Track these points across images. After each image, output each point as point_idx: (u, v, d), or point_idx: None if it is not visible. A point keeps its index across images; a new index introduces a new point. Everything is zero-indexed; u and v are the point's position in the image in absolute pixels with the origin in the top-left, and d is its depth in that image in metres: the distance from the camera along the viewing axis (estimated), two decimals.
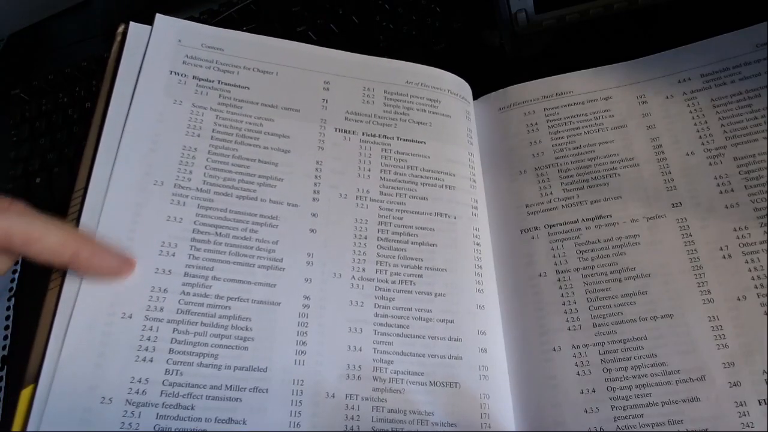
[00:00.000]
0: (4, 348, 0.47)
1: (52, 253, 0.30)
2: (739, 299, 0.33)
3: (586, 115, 0.41)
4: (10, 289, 0.49)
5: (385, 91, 0.41)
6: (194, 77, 0.38)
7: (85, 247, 0.31)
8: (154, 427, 0.29)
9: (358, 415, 0.32)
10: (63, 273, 0.31)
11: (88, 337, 0.30)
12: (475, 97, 0.44)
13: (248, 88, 0.39)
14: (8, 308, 0.48)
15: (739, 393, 0.31)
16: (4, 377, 0.46)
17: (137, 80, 0.37)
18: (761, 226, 0.35)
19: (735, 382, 0.32)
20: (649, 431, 0.32)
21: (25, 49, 0.67)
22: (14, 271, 0.50)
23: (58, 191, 0.52)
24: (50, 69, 0.61)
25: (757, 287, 0.33)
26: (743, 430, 0.31)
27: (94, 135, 0.35)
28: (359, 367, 0.33)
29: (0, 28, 0.68)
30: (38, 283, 0.32)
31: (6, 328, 0.48)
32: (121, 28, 0.38)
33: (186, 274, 0.33)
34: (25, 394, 0.29)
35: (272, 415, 0.31)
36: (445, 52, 0.50)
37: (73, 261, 0.30)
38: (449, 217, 0.38)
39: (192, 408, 0.30)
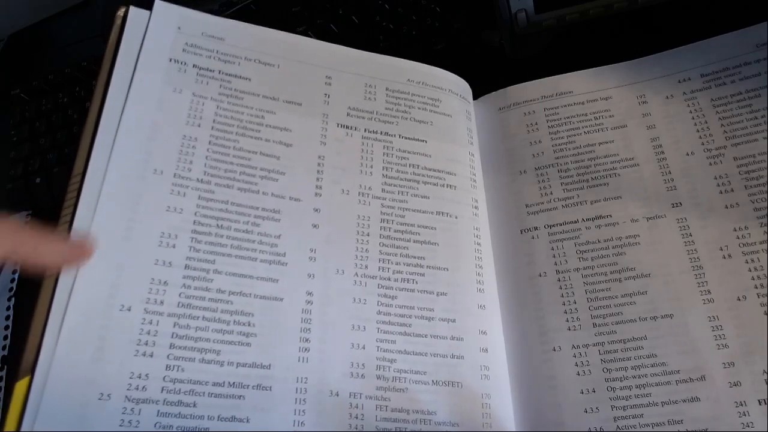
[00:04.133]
0: (4, 348, 0.47)
1: None
2: (739, 299, 0.33)
3: (586, 115, 0.41)
4: (10, 289, 0.49)
5: (386, 89, 0.41)
6: (194, 66, 0.38)
7: (23, 244, 0.29)
8: (155, 425, 0.29)
9: (362, 414, 0.32)
10: None
11: (85, 329, 0.29)
12: (475, 97, 0.44)
13: (249, 80, 0.38)
14: (8, 308, 0.48)
15: (739, 393, 0.31)
16: (3, 377, 0.46)
17: (136, 66, 0.36)
18: (761, 226, 0.35)
19: (735, 382, 0.32)
20: (649, 431, 0.32)
21: (25, 49, 0.67)
22: (14, 271, 0.50)
23: (58, 191, 0.52)
24: (50, 69, 0.61)
25: (757, 287, 0.33)
26: (743, 430, 0.31)
27: (92, 119, 0.34)
28: (363, 365, 0.33)
29: (0, 28, 0.68)
30: (38, 283, 0.31)
31: (6, 328, 0.48)
32: (121, 12, 0.37)
33: (187, 267, 0.32)
34: (20, 386, 0.28)
35: (276, 413, 0.31)
36: (445, 52, 0.50)
37: (11, 259, 0.29)
38: (450, 216, 0.38)
39: (194, 405, 0.30)
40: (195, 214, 0.34)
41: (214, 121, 0.37)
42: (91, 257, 0.31)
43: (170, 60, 0.37)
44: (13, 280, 0.49)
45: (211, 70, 0.38)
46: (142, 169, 0.34)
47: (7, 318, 0.48)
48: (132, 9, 0.37)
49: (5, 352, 0.47)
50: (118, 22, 0.37)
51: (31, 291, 0.30)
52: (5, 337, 0.47)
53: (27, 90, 0.60)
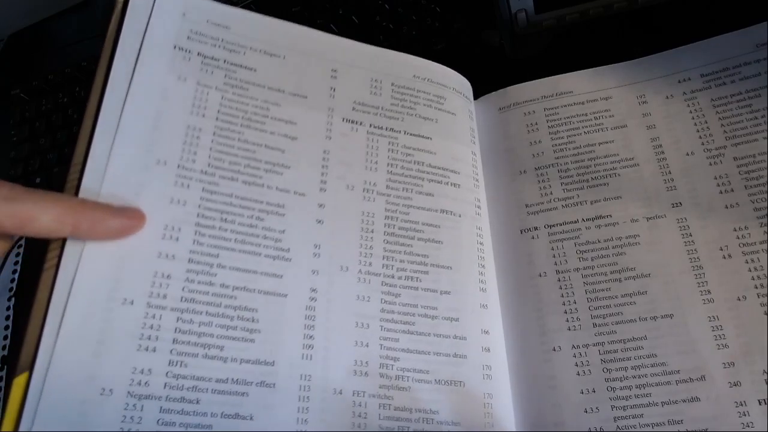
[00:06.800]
0: (4, 348, 0.47)
1: (49, 231, 0.29)
2: (739, 299, 0.33)
3: (586, 115, 0.41)
4: (10, 289, 0.49)
5: (392, 84, 0.41)
6: (199, 54, 0.36)
7: (84, 218, 0.29)
8: (158, 422, 0.28)
9: (365, 413, 0.31)
10: (59, 253, 0.29)
11: (86, 323, 0.28)
12: (476, 97, 0.44)
13: (255, 70, 0.37)
14: (8, 308, 0.48)
15: (739, 393, 0.31)
16: (4, 377, 0.46)
17: (139, 53, 0.34)
18: (761, 226, 0.35)
19: (735, 382, 0.32)
20: (649, 431, 0.32)
21: (25, 49, 0.67)
22: (14, 272, 0.50)
23: (58, 191, 0.52)
24: (50, 69, 0.61)
25: (757, 287, 0.33)
26: (743, 430, 0.31)
27: (93, 105, 0.33)
28: (366, 363, 0.33)
29: (0, 28, 0.68)
30: (38, 283, 0.30)
31: (6, 328, 0.48)
32: None
33: (190, 260, 0.32)
34: (18, 382, 0.27)
35: (280, 411, 0.30)
36: (446, 52, 0.50)
37: (74, 233, 0.29)
38: (454, 214, 0.38)
39: (197, 402, 0.29)
40: (199, 206, 0.33)
41: (218, 111, 0.35)
42: (144, 224, 0.31)
43: (175, 47, 0.36)
44: (13, 280, 0.49)
45: (216, 59, 0.37)
46: (145, 159, 0.33)
47: (7, 318, 0.48)
48: None
49: (5, 353, 0.47)
50: (119, 7, 0.35)
51: (31, 291, 0.30)
52: (5, 338, 0.47)
53: (27, 90, 0.60)
